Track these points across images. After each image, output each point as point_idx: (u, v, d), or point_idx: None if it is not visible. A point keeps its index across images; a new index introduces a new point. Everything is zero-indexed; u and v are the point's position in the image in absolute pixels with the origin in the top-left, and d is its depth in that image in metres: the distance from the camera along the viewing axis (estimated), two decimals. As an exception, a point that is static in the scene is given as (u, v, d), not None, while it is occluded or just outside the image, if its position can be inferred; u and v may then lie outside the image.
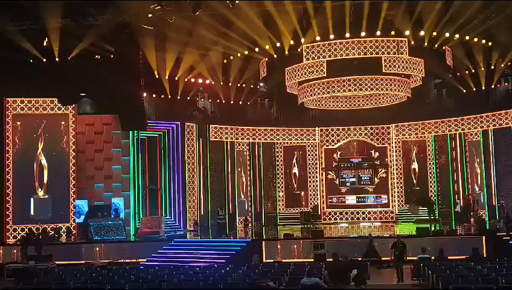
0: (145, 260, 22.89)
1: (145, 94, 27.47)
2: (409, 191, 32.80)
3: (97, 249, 23.93)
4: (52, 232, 25.34)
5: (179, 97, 29.36)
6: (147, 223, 26.19)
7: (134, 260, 22.88)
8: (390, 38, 24.45)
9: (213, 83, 30.34)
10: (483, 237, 22.56)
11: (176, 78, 28.70)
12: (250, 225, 31.71)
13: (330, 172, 33.78)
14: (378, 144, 33.62)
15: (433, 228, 25.05)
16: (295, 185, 34.33)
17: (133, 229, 26.82)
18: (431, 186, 33.14)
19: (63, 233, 25.76)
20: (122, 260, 22.78)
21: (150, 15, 22.99)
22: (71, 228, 25.87)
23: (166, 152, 29.73)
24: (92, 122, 27.57)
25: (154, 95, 28.62)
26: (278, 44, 25.41)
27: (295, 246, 23.30)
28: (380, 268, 21.02)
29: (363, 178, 33.51)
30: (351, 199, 33.29)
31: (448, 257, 20.30)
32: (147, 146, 29.22)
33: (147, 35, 24.77)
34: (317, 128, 33.93)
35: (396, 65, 25.14)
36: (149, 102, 28.17)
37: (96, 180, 27.23)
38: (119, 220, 25.65)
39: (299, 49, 25.27)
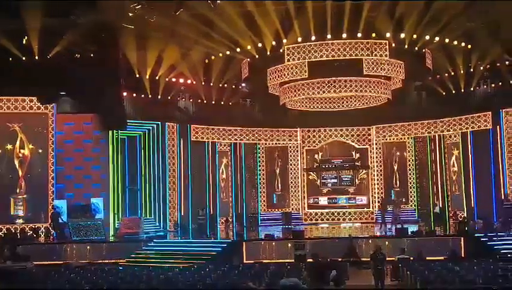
0: (124, 260, 22.72)
1: (125, 93, 27.29)
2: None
3: (76, 249, 23.70)
4: (31, 232, 25.07)
5: (159, 97, 29.25)
6: (126, 224, 26.01)
7: (113, 261, 22.69)
8: (370, 41, 24.57)
9: (194, 82, 30.26)
10: (462, 238, 22.75)
11: (157, 78, 28.60)
12: (231, 225, 31.64)
13: (311, 173, 33.87)
14: (359, 145, 33.80)
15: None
16: (276, 186, 34.32)
17: (113, 229, 26.62)
18: (411, 188, 33.36)
19: (41, 233, 25.48)
20: (101, 261, 22.57)
21: (130, 14, 22.85)
22: (50, 228, 25.59)
23: (146, 152, 29.53)
24: (71, 121, 27.29)
25: (134, 95, 28.47)
26: (260, 44, 25.43)
27: (276, 247, 23.28)
28: (359, 269, 21.07)
29: (344, 179, 33.65)
30: (323, 200, 33.42)
31: (427, 258, 20.45)
32: (127, 146, 28.99)
33: (128, 35, 24.64)
34: (298, 129, 33.99)
35: (377, 67, 25.29)
36: (129, 101, 27.97)
37: (75, 180, 26.96)
38: (98, 221, 25.44)
39: (280, 50, 25.30)
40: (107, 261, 22.62)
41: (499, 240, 22.57)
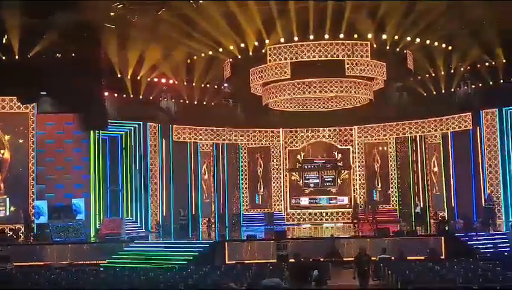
0: (105, 261, 22.58)
1: (106, 93, 27.14)
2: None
3: (56, 250, 23.50)
4: (11, 233, 24.81)
5: (141, 97, 29.12)
6: (107, 224, 25.84)
7: (95, 262, 22.54)
8: (352, 42, 24.67)
9: (176, 82, 30.17)
10: (442, 238, 22.94)
11: (139, 78, 28.47)
12: (213, 226, 31.60)
13: (294, 173, 33.94)
14: (341, 145, 33.94)
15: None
16: (259, 186, 34.32)
17: (94, 230, 26.44)
18: (392, 188, 33.57)
19: (21, 234, 25.23)
20: (82, 262, 22.39)
21: (112, 14, 22.72)
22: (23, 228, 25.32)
23: (128, 152, 29.36)
24: (52, 121, 27.06)
25: (116, 95, 28.31)
26: (242, 45, 25.42)
27: (258, 248, 23.28)
28: (341, 269, 21.14)
29: (326, 179, 33.77)
30: (305, 200, 33.52)
31: (408, 257, 20.59)
32: (108, 146, 28.80)
33: (109, 34, 24.49)
34: (281, 130, 34.04)
35: (359, 68, 25.41)
36: (111, 101, 27.80)
37: (56, 180, 26.73)
38: (79, 222, 25.26)
39: (263, 50, 25.31)
40: (88, 262, 22.45)
41: (479, 239, 22.77)
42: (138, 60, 27.26)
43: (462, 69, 29.08)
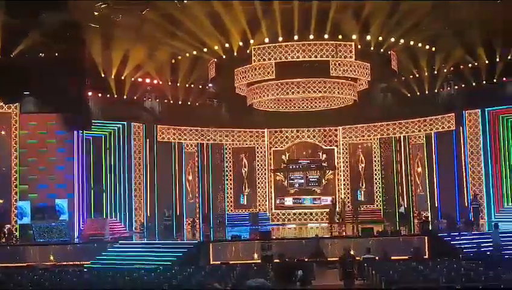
0: (89, 262, 22.44)
1: (90, 93, 26.99)
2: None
3: (40, 251, 23.30)
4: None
5: (125, 97, 28.98)
6: (91, 225, 25.71)
7: (78, 263, 22.40)
8: (336, 42, 24.75)
9: (161, 82, 30.07)
10: (426, 238, 23.07)
11: (123, 78, 28.35)
12: (198, 226, 31.54)
13: (279, 173, 33.97)
14: (325, 146, 34.03)
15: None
16: (244, 187, 34.31)
17: (77, 231, 26.27)
18: (376, 188, 33.73)
19: (4, 235, 24.98)
20: (65, 263, 22.25)
21: (96, 13, 22.58)
22: (13, 229, 25.11)
23: (112, 153, 29.22)
24: (35, 121, 26.82)
25: (100, 95, 28.16)
26: (227, 45, 25.40)
27: (243, 248, 23.27)
28: (326, 269, 21.19)
29: (311, 179, 33.84)
30: (289, 201, 33.63)
31: (392, 257, 20.68)
32: (92, 146, 28.62)
33: (93, 34, 24.34)
34: (266, 130, 34.06)
35: (344, 68, 25.51)
36: (95, 101, 27.66)
37: (39, 180, 26.50)
38: (62, 222, 25.08)
39: (248, 51, 25.31)
40: (72, 263, 22.30)
41: (462, 239, 22.94)
42: (122, 59, 27.13)
43: (445, 70, 29.29)
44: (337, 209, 29.26)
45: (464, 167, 29.52)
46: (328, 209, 30.72)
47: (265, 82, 26.65)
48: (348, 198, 33.38)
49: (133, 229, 28.96)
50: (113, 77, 27.95)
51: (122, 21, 23.09)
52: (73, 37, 24.28)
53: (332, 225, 28.42)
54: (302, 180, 33.89)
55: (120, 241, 24.58)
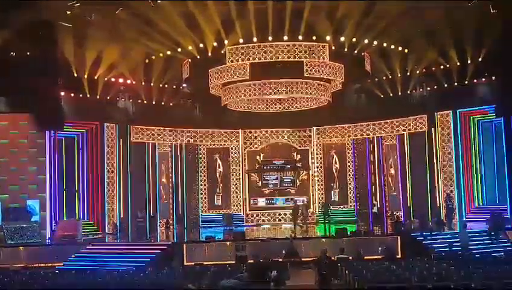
0: (61, 263, 22.20)
1: (62, 93, 26.68)
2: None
3: (11, 253, 22.96)
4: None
5: (98, 97, 28.69)
6: (63, 226, 25.43)
7: (50, 264, 22.13)
8: (309, 43, 24.84)
9: (134, 82, 29.86)
10: (398, 237, 23.29)
11: (96, 78, 28.08)
12: (171, 227, 31.39)
13: (253, 174, 33.97)
14: (300, 146, 34.14)
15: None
16: (218, 187, 34.23)
17: (49, 232, 25.95)
18: (350, 189, 33.95)
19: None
20: (37, 264, 22.03)
21: (68, 12, 22.34)
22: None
23: (84, 153, 28.91)
24: (6, 121, 26.44)
25: (72, 94, 27.82)
26: (201, 45, 25.34)
27: (217, 249, 23.22)
28: (300, 269, 21.26)
29: (285, 180, 33.91)
30: (262, 201, 33.68)
31: (366, 257, 20.84)
32: (64, 146, 28.32)
33: (66, 33, 24.08)
34: (240, 131, 34.04)
35: (318, 69, 25.63)
36: (67, 101, 27.29)
37: (10, 181, 26.12)
38: (34, 223, 24.75)
39: (222, 51, 25.27)
40: (44, 264, 22.07)
41: (434, 239, 23.22)
42: (95, 59, 26.88)
43: (418, 71, 29.61)
44: (301, 210, 29.20)
45: (435, 168, 29.90)
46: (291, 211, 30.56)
47: (240, 82, 26.63)
48: (322, 198, 33.52)
49: (106, 230, 28.70)
50: (86, 76, 27.67)
51: (95, 20, 22.89)
52: (45, 36, 24.01)
53: (294, 226, 28.36)
54: (277, 181, 33.94)
55: (93, 243, 24.38)
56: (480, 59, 27.21)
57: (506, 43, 23.61)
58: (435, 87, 29.65)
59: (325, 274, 17.25)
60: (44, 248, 23.77)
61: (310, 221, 30.44)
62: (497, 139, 28.76)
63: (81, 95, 28.11)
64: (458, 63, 28.15)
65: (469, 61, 27.69)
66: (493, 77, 27.28)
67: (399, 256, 22.14)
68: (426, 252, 21.65)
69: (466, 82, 28.34)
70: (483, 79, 28.04)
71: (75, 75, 27.12)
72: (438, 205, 29.47)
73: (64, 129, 27.08)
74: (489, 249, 21.75)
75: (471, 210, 29.03)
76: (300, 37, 24.62)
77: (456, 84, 28.71)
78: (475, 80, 28.28)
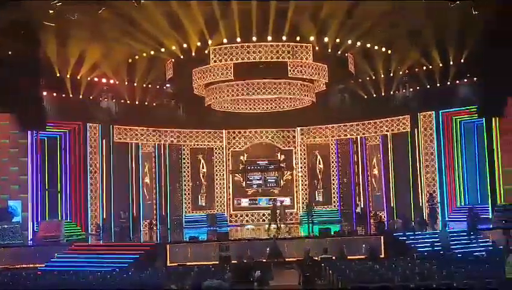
0: (43, 264, 22.04)
1: (45, 93, 26.47)
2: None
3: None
4: None
5: (81, 97, 28.53)
6: (45, 227, 25.22)
7: (32, 265, 21.95)
8: (293, 44, 24.88)
9: (117, 82, 29.70)
10: (382, 237, 23.42)
11: (79, 77, 27.91)
12: (155, 228, 31.27)
13: (237, 174, 33.95)
14: (284, 146, 34.20)
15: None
16: (201, 188, 34.14)
17: (31, 233, 25.73)
18: (333, 189, 34.05)
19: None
20: (19, 265, 21.87)
21: (51, 11, 22.15)
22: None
23: (67, 153, 28.70)
24: (-13, 121, 26.20)
25: (55, 94, 27.62)
26: (185, 45, 25.27)
27: (200, 249, 23.17)
28: (284, 269, 21.30)
29: (269, 180, 33.96)
30: (245, 202, 33.75)
31: (349, 257, 20.93)
32: (47, 147, 28.09)
33: (48, 33, 23.88)
34: (224, 131, 34.01)
35: (302, 70, 25.67)
36: (49, 101, 27.08)
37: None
38: (15, 224, 24.52)
39: (206, 51, 25.23)
40: (26, 265, 21.94)
41: (416, 239, 23.37)
42: (78, 59, 26.69)
43: (400, 72, 29.78)
44: (280, 210, 29.23)
45: (418, 168, 30.10)
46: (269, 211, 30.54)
47: (224, 82, 26.60)
48: (306, 198, 33.61)
49: (89, 231, 28.52)
50: (68, 76, 27.51)
51: (78, 20, 22.71)
52: (27, 35, 23.78)
53: (271, 225, 28.38)
54: (261, 181, 33.99)
55: (75, 244, 24.22)
56: (462, 60, 27.46)
57: (488, 44, 23.82)
58: (418, 88, 29.84)
59: (309, 275, 17.33)
60: (26, 249, 23.56)
61: (288, 221, 30.55)
62: (478, 139, 29.02)
63: (63, 95, 27.92)
64: (441, 64, 28.37)
65: (451, 62, 27.93)
66: (475, 78, 27.51)
67: (382, 256, 22.26)
68: (409, 251, 21.79)
69: (448, 83, 28.59)
70: (465, 80, 28.28)
71: (58, 74, 26.92)
72: (421, 205, 29.68)
73: (47, 129, 26.84)
74: (471, 249, 21.94)
75: (453, 210, 29.25)
76: (284, 38, 24.64)
77: (438, 85, 28.94)
78: (457, 81, 28.52)
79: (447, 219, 28.73)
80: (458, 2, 21.83)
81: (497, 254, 19.74)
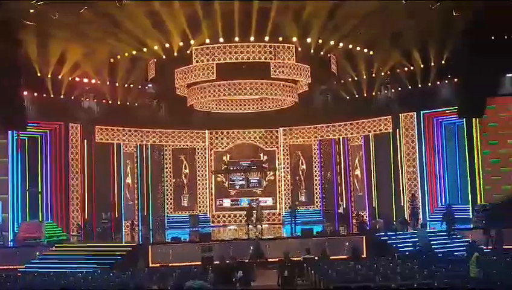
0: (23, 266, 21.84)
1: (26, 93, 26.18)
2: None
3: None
4: None
5: (62, 96, 28.29)
6: (26, 228, 25.00)
7: (13, 267, 21.75)
8: (275, 44, 24.91)
9: (99, 82, 29.49)
10: (364, 237, 23.54)
11: (60, 77, 27.68)
12: (137, 228, 31.12)
13: (219, 175, 33.90)
14: (266, 147, 34.22)
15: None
16: (184, 188, 34.05)
17: (12, 234, 25.48)
18: (316, 189, 34.15)
19: None
20: (-1, 267, 21.66)
21: (31, 10, 21.94)
22: None
23: (48, 153, 28.46)
24: (-34, 121, 25.88)
25: (36, 94, 27.36)
26: (167, 45, 25.17)
27: (183, 250, 23.11)
28: (266, 269, 21.31)
29: (251, 181, 33.96)
30: (227, 202, 33.76)
31: (332, 257, 21.01)
32: (27, 147, 27.84)
33: (29, 32, 23.64)
34: (206, 131, 33.95)
35: (284, 70, 25.70)
36: (30, 101, 26.78)
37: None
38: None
39: (188, 51, 25.16)
40: (6, 267, 21.72)
41: (398, 238, 23.52)
42: (59, 58, 26.46)
43: (382, 73, 29.96)
44: (256, 211, 29.23)
45: (400, 168, 30.29)
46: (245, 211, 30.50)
47: (206, 83, 26.54)
48: (289, 199, 33.67)
49: (70, 231, 28.31)
50: (49, 76, 27.27)
51: (59, 19, 22.50)
52: (7, 34, 23.49)
53: (248, 226, 28.40)
54: (243, 182, 33.98)
55: (56, 245, 24.04)
56: (443, 61, 27.68)
57: (468, 46, 24.03)
58: (399, 88, 30.04)
59: (287, 277, 17.40)
60: (6, 250, 23.40)
61: (265, 222, 30.55)
62: (459, 140, 29.32)
63: (44, 95, 27.66)
64: (422, 65, 28.58)
65: (432, 63, 28.13)
66: (455, 79, 27.75)
67: (364, 256, 22.38)
68: (390, 251, 21.94)
69: (429, 84, 28.81)
70: (446, 81, 28.51)
71: (39, 74, 26.65)
72: (402, 205, 29.87)
73: (27, 129, 26.44)
74: (451, 249, 22.12)
75: (435, 210, 29.47)
76: (266, 38, 24.66)
77: (419, 86, 29.14)
78: (438, 82, 28.74)
79: (428, 218, 28.94)
80: (439, 4, 22.00)
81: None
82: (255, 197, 33.20)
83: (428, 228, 24.96)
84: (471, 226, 25.31)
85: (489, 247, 22.52)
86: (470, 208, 27.55)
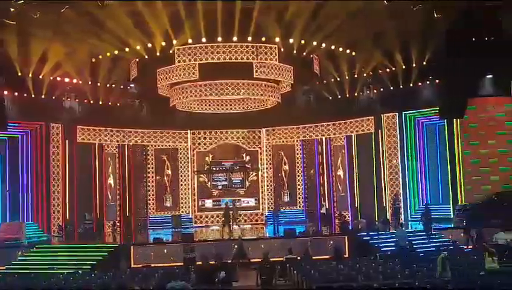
0: (4, 267, 21.62)
1: (6, 92, 25.95)
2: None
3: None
4: None
5: (43, 96, 28.04)
6: (6, 229, 24.78)
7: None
8: (258, 44, 24.91)
9: (80, 82, 29.27)
10: (346, 237, 23.62)
11: (41, 77, 27.43)
12: (119, 229, 30.94)
13: (202, 175, 33.82)
14: (249, 147, 34.22)
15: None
16: (166, 189, 33.92)
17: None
18: (299, 190, 34.23)
19: None
20: (-22, 269, 21.42)
21: (12, 9, 21.71)
22: None
23: (29, 154, 28.20)
24: None
25: (16, 94, 27.09)
26: (149, 45, 25.05)
27: (165, 251, 23.02)
28: (249, 270, 21.29)
29: (234, 181, 33.93)
30: (209, 203, 33.70)
31: (314, 257, 21.06)
32: (7, 147, 27.56)
33: (9, 31, 23.40)
34: (189, 131, 33.86)
35: (267, 71, 25.72)
36: (11, 101, 26.56)
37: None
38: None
39: (170, 51, 25.06)
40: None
41: (380, 238, 23.63)
42: (40, 58, 26.21)
43: (364, 74, 30.11)
44: (232, 211, 29.24)
45: (382, 168, 30.46)
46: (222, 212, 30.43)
47: (189, 83, 26.47)
48: (272, 199, 33.70)
49: (51, 232, 28.08)
50: (30, 75, 27.02)
51: (41, 18, 22.30)
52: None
53: (224, 227, 28.39)
54: (226, 182, 33.95)
55: (37, 246, 23.82)
56: (424, 62, 27.88)
57: (449, 47, 24.22)
58: (381, 89, 30.23)
59: (266, 278, 17.41)
60: (-14, 252, 23.10)
61: (242, 222, 30.55)
62: (440, 140, 29.56)
63: (25, 95, 27.40)
64: (403, 66, 28.78)
65: (414, 64, 28.32)
66: (437, 80, 27.97)
67: (346, 256, 22.46)
68: (372, 251, 22.03)
69: (411, 85, 29.00)
70: (428, 82, 28.73)
71: (19, 74, 26.40)
72: (384, 205, 30.04)
73: (8, 129, 26.32)
74: (432, 248, 22.25)
75: (416, 210, 29.65)
76: (249, 38, 24.65)
77: (401, 86, 29.32)
78: (419, 83, 28.94)
79: (410, 218, 29.13)
80: (420, 5, 22.15)
81: (457, 253, 20.16)
82: (237, 198, 33.22)
83: (409, 228, 25.14)
84: (452, 226, 25.51)
85: (469, 246, 22.73)
86: (451, 208, 27.77)
